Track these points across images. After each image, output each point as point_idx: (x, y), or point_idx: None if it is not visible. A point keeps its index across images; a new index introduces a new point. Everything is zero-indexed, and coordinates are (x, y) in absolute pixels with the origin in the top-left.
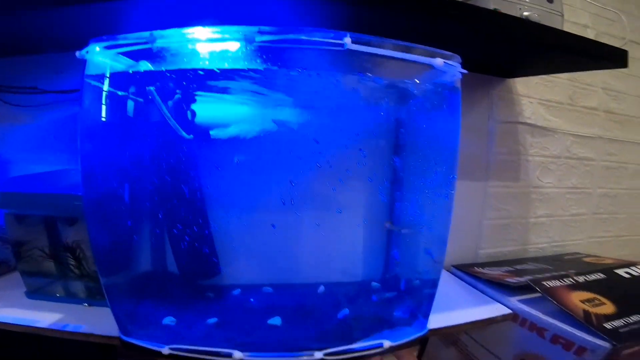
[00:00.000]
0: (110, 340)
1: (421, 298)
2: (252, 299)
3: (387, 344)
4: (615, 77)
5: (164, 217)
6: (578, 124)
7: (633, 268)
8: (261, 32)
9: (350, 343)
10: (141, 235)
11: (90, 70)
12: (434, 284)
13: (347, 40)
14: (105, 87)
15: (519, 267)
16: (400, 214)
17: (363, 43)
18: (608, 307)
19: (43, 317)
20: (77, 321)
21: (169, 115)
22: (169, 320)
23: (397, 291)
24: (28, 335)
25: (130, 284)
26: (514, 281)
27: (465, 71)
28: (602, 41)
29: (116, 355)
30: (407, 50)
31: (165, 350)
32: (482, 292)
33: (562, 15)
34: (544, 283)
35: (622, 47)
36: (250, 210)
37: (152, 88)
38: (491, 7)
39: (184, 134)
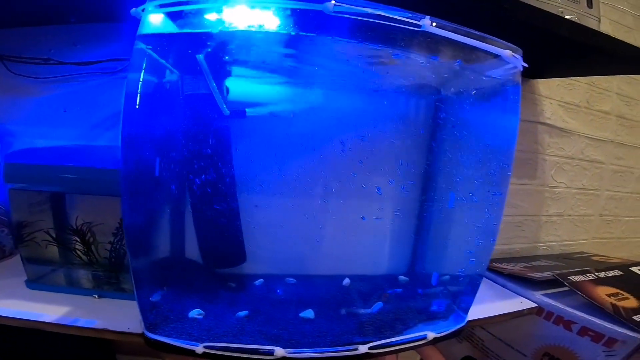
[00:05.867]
0: (128, 338)
1: (463, 293)
2: (278, 290)
3: (430, 335)
4: (628, 83)
5: (194, 197)
6: (592, 127)
7: None
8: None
9: (392, 336)
10: (170, 216)
11: (142, 30)
12: (477, 280)
13: (427, 21)
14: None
15: (534, 263)
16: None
17: (440, 27)
18: (632, 302)
19: (47, 310)
20: (87, 315)
21: (215, 87)
22: (196, 312)
23: (438, 286)
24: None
25: (158, 270)
26: (538, 276)
27: (526, 65)
28: None
29: (114, 350)
30: (480, 39)
31: (199, 349)
32: (503, 286)
33: (599, 20)
34: (570, 278)
35: None
36: (277, 195)
37: (201, 56)
38: None
39: (224, 109)
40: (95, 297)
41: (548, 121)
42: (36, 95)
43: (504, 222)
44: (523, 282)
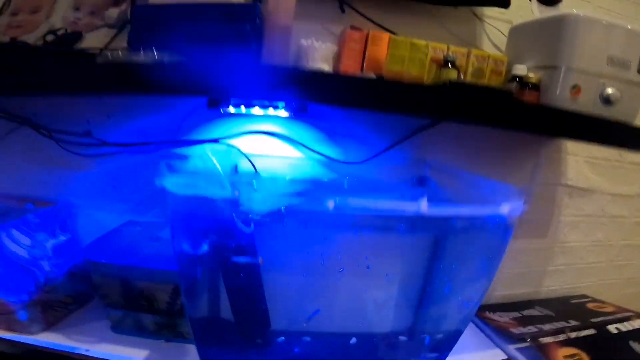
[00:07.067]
0: None
1: (442, 350)
2: (296, 349)
3: None
4: None
5: (227, 280)
6: (621, 182)
7: (625, 323)
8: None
9: None
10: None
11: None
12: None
13: (424, 206)
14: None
15: (525, 312)
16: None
17: (436, 206)
18: None
19: (131, 352)
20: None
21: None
22: None
23: (422, 345)
24: None
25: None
26: (518, 332)
27: (524, 208)
28: None
29: None
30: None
31: None
32: (488, 337)
33: None
34: (540, 340)
35: None
36: (300, 275)
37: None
38: (571, 83)
39: (245, 229)
40: (162, 342)
41: (570, 182)
42: (86, 169)
43: (506, 273)
44: (506, 334)
